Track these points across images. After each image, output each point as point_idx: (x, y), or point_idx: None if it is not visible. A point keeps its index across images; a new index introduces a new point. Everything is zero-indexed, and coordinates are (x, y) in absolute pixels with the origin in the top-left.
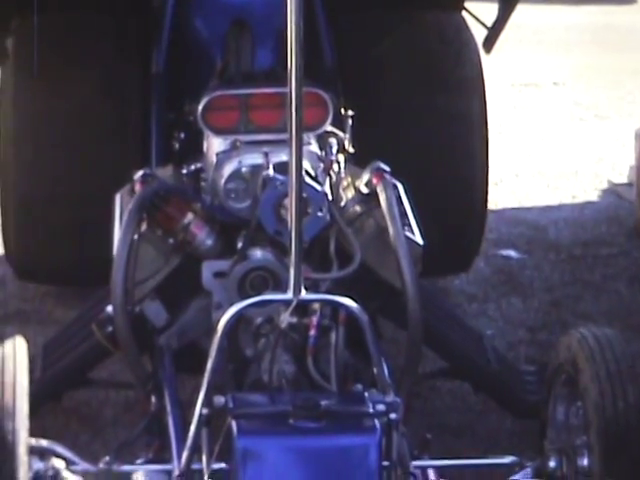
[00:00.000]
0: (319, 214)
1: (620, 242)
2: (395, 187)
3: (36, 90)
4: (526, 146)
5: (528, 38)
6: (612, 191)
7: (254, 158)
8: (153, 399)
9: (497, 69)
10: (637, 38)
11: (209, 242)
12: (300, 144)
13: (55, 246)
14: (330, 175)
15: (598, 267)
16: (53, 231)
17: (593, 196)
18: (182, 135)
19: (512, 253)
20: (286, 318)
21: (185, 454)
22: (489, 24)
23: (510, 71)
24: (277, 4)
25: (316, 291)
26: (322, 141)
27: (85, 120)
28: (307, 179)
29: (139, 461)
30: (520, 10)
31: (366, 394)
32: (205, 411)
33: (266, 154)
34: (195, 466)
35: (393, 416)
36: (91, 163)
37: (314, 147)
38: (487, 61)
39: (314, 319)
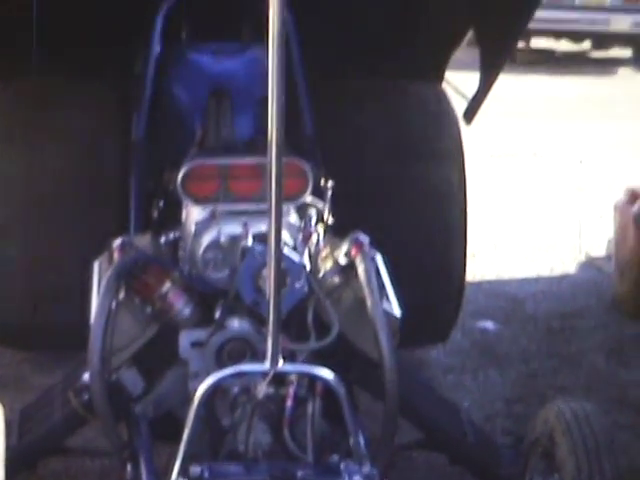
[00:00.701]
0: (297, 285)
1: (598, 315)
2: (374, 258)
3: (15, 155)
4: (505, 217)
5: (508, 109)
6: (590, 264)
7: (233, 228)
8: (129, 467)
9: (477, 140)
10: (618, 110)
11: (186, 311)
12: (279, 215)
13: (32, 311)
14: (309, 246)
15: (576, 340)
16: (30, 296)
17: (571, 268)
18: (161, 203)
19: (490, 325)
20: (263, 389)
21: None
22: (470, 95)
23: (490, 142)
24: (258, 73)
25: (293, 360)
26: (301, 211)
27: (64, 186)
28: (286, 250)
29: None
30: (500, 81)
31: (342, 465)
32: None
33: (245, 224)
34: None
35: None
36: (69, 229)
37: (293, 217)
38: (467, 131)
39: (291, 390)
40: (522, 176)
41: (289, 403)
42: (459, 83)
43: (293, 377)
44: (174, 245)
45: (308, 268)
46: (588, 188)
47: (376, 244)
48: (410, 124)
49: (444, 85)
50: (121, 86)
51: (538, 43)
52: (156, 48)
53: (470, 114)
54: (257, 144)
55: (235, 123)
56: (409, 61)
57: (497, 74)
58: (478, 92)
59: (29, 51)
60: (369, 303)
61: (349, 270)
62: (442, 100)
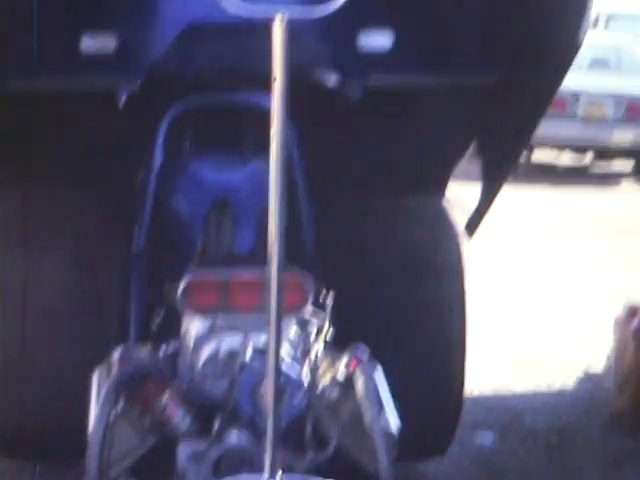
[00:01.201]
0: (295, 399)
1: (597, 430)
2: (373, 371)
3: (15, 262)
4: (504, 330)
5: (509, 222)
6: (589, 378)
7: (232, 341)
8: None
9: (478, 252)
10: (620, 223)
11: (185, 423)
12: (279, 328)
13: (30, 420)
14: (309, 359)
15: (574, 455)
16: (28, 405)
17: (570, 382)
18: (161, 314)
19: (488, 438)
20: None
21: None
22: (472, 208)
23: (491, 255)
24: (259, 186)
25: (291, 472)
26: (301, 324)
27: (64, 295)
28: (285, 364)
29: None
30: (502, 193)
31: None
32: None
33: (244, 337)
34: None
35: None
36: (69, 337)
37: (293, 330)
38: (468, 244)
39: None
40: (522, 289)
41: None
42: (460, 195)
43: None
44: (173, 356)
45: (307, 382)
46: (588, 302)
47: (375, 357)
48: (411, 238)
49: (446, 198)
50: (122, 197)
51: (540, 155)
52: (158, 159)
53: (472, 228)
54: (258, 256)
55: (236, 235)
56: (410, 175)
57: (499, 187)
58: (480, 205)
59: (30, 161)
60: (367, 418)
61: (348, 384)
62: (444, 214)
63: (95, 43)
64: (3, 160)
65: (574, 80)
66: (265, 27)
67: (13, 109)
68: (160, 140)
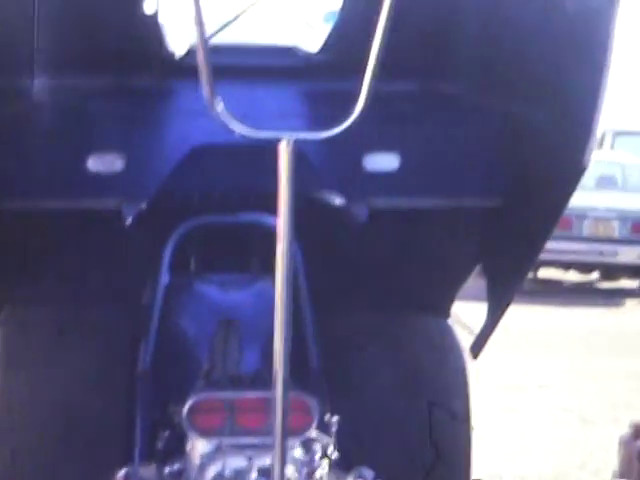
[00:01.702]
0: None
1: None
2: None
3: (21, 380)
4: (510, 449)
5: (515, 339)
6: None
7: (238, 462)
8: None
9: (483, 371)
10: (626, 342)
11: None
12: (284, 450)
13: None
14: None
15: None
16: None
17: None
18: (166, 433)
19: None
20: None
21: None
22: (476, 329)
23: (496, 373)
24: (265, 306)
25: None
26: (306, 446)
27: (68, 414)
28: None
29: None
30: (507, 310)
31: None
32: None
33: (250, 458)
34: None
35: None
36: (73, 457)
37: (298, 452)
38: (473, 362)
39: None
40: (527, 408)
41: None
42: (465, 314)
43: None
44: (179, 476)
45: None
46: (594, 421)
47: (380, 478)
48: (415, 359)
49: (450, 318)
50: (128, 315)
51: (546, 273)
52: (164, 278)
53: (477, 348)
54: (263, 377)
55: (242, 355)
56: (415, 295)
57: (505, 308)
58: (485, 326)
59: (36, 278)
60: None
61: None
62: (448, 334)
63: (102, 163)
64: (7, 276)
65: (580, 198)
66: (271, 148)
67: (18, 225)
68: (166, 259)
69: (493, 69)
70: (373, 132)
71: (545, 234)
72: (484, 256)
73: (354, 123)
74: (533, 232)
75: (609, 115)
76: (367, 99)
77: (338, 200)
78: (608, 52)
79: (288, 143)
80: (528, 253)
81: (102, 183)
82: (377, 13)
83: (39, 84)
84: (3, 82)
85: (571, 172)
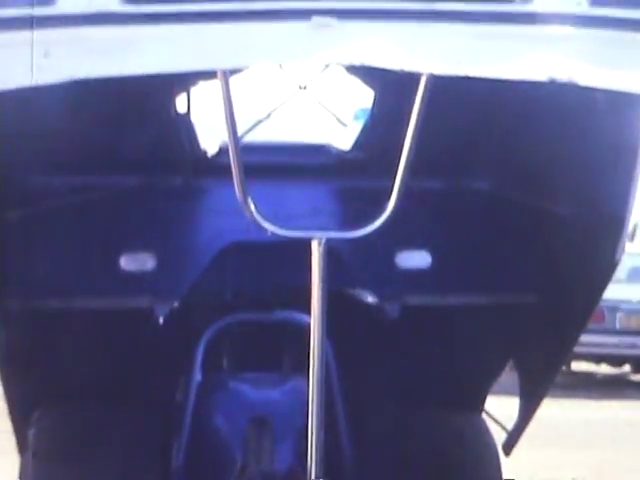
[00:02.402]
0: None
1: None
2: None
3: (54, 476)
4: None
5: (548, 433)
6: None
7: None
8: None
9: (516, 465)
10: None
11: None
12: None
13: None
14: None
15: None
16: None
17: None
18: None
19: None
20: None
21: None
22: (509, 425)
23: (529, 467)
24: (298, 403)
25: None
26: None
27: None
28: None
29: None
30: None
31: None
32: None
33: None
34: None
35: None
36: None
37: None
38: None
39: None
40: None
41: None
42: (497, 409)
43: None
44: None
45: None
46: None
47: None
48: (448, 455)
49: (483, 413)
50: (162, 412)
51: (578, 366)
52: (197, 376)
53: (509, 445)
54: (297, 474)
55: (275, 452)
56: (447, 391)
57: (538, 403)
58: (518, 423)
59: (69, 378)
60: None
61: None
62: (481, 430)
63: (134, 262)
64: (42, 374)
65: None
66: (303, 244)
67: (51, 324)
68: (199, 356)
69: (522, 165)
70: (405, 230)
71: (579, 328)
72: (517, 351)
73: (386, 221)
74: (566, 327)
75: None
76: (399, 197)
77: (370, 297)
78: (639, 147)
79: (320, 243)
80: (562, 347)
81: (134, 282)
82: (407, 112)
83: (74, 183)
84: (37, 181)
85: (603, 267)
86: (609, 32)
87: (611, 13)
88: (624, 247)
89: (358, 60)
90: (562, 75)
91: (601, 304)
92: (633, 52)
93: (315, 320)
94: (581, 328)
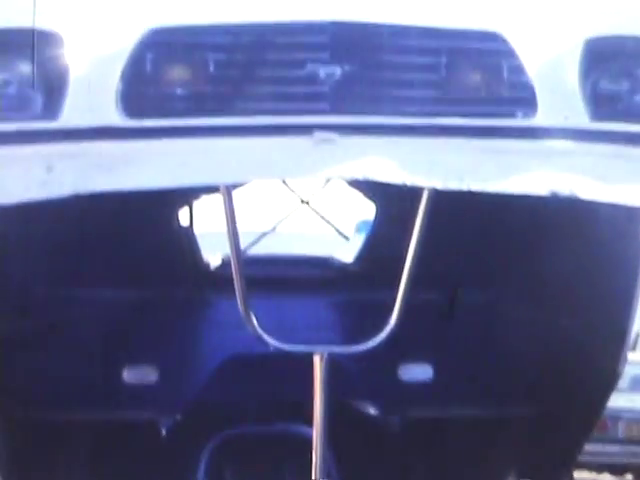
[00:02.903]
0: None
1: None
2: None
3: None
4: None
5: None
6: None
7: None
8: None
9: None
10: None
11: None
12: None
13: None
14: None
15: None
16: None
17: None
18: None
19: None
20: None
21: None
22: None
23: None
24: None
25: None
26: None
27: None
28: None
29: None
30: None
31: None
32: None
33: None
34: None
35: None
36: None
37: None
38: None
39: None
40: None
41: None
42: None
43: None
44: None
45: None
46: None
47: None
48: None
49: None
50: None
51: (580, 475)
52: None
53: None
54: None
55: None
56: None
57: None
58: None
59: None
60: None
61: None
62: None
63: (137, 375)
64: None
65: (614, 400)
66: (306, 359)
67: (55, 436)
68: (202, 470)
69: (524, 278)
70: (408, 342)
71: (582, 439)
72: (520, 462)
73: (388, 335)
74: (570, 438)
75: None
76: (401, 310)
77: (372, 410)
78: (639, 260)
79: (322, 357)
80: (565, 457)
81: (137, 395)
82: (409, 225)
83: (77, 296)
84: (40, 293)
85: (606, 379)
86: (610, 146)
87: (612, 127)
88: (626, 358)
89: (360, 175)
90: (564, 190)
91: (604, 413)
92: (634, 166)
93: (317, 433)
94: (584, 439)
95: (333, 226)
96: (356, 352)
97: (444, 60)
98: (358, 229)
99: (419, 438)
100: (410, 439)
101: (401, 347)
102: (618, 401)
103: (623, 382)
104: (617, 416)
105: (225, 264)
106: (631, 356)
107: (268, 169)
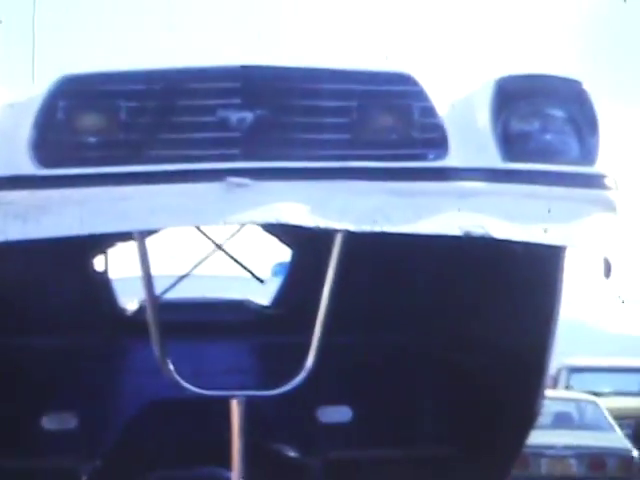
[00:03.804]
0: None
1: None
2: None
3: None
4: None
5: None
6: None
7: None
8: None
9: None
10: None
11: None
12: None
13: None
14: None
15: None
16: None
17: None
18: None
19: None
20: None
21: None
22: None
23: None
24: None
25: None
26: None
27: None
28: None
29: None
30: None
31: None
32: None
33: None
34: None
35: None
36: None
37: None
38: None
39: None
40: None
41: None
42: None
43: None
44: None
45: None
46: None
47: None
48: None
49: None
50: None
51: None
52: None
53: None
54: None
55: None
56: None
57: None
58: None
59: None
60: None
61: None
62: None
63: (56, 421)
64: None
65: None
66: (223, 402)
67: None
68: None
69: (440, 318)
70: (325, 385)
71: (502, 477)
72: None
73: (305, 378)
74: (490, 477)
75: (563, 351)
76: (318, 353)
77: (293, 452)
78: (557, 297)
79: (239, 402)
80: None
81: (57, 441)
82: (325, 267)
83: None
84: None
85: (524, 419)
86: (522, 186)
87: (524, 167)
88: (544, 397)
89: (273, 219)
90: (477, 229)
91: (526, 450)
92: (547, 205)
93: (236, 476)
94: (504, 477)
95: (248, 270)
96: (274, 395)
97: (355, 103)
98: (274, 272)
99: (340, 479)
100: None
101: (319, 389)
102: (540, 438)
103: (546, 418)
104: (539, 453)
105: (141, 310)
106: (554, 393)
107: (181, 216)
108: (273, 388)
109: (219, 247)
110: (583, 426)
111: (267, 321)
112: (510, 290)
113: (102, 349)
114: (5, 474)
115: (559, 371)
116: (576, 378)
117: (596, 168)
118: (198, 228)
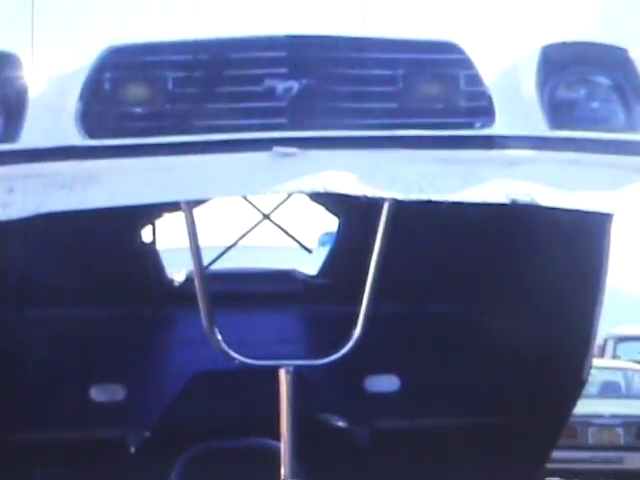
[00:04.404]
0: None
1: None
2: None
3: None
4: None
5: None
6: None
7: None
8: None
9: None
10: None
11: None
12: None
13: None
14: None
15: None
16: None
17: None
18: None
19: None
20: None
21: None
22: None
23: None
24: None
25: None
26: None
27: None
28: None
29: None
30: None
31: None
32: None
33: None
34: None
35: None
36: None
37: None
38: None
39: None
40: None
41: None
42: None
43: None
44: None
45: None
46: None
47: None
48: None
49: None
50: None
51: None
52: None
53: None
54: None
55: None
56: None
57: None
58: None
59: None
60: None
61: None
62: None
63: (104, 393)
64: None
65: (583, 406)
66: (272, 373)
67: (22, 457)
68: None
69: (489, 288)
70: (373, 354)
71: (549, 447)
72: (489, 471)
73: (353, 347)
74: (538, 446)
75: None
76: (366, 322)
77: (340, 422)
78: (603, 266)
79: (288, 371)
80: (534, 466)
81: (105, 413)
82: (373, 236)
83: (42, 316)
84: (6, 314)
85: (572, 386)
86: (568, 153)
87: (570, 135)
88: (591, 365)
89: (321, 188)
90: (523, 197)
91: (573, 419)
92: (593, 172)
93: (285, 446)
94: (552, 447)
95: (296, 239)
96: (322, 365)
97: (401, 72)
98: (322, 242)
99: (386, 449)
100: (378, 450)
101: (367, 359)
102: (588, 408)
103: (593, 388)
104: (587, 422)
105: (189, 281)
106: (600, 362)
107: (228, 186)
108: (321, 358)
109: (266, 217)
110: (630, 395)
111: (315, 291)
112: (557, 258)
113: (151, 320)
114: (55, 447)
115: (606, 341)
116: (623, 347)
117: None
118: (245, 198)
